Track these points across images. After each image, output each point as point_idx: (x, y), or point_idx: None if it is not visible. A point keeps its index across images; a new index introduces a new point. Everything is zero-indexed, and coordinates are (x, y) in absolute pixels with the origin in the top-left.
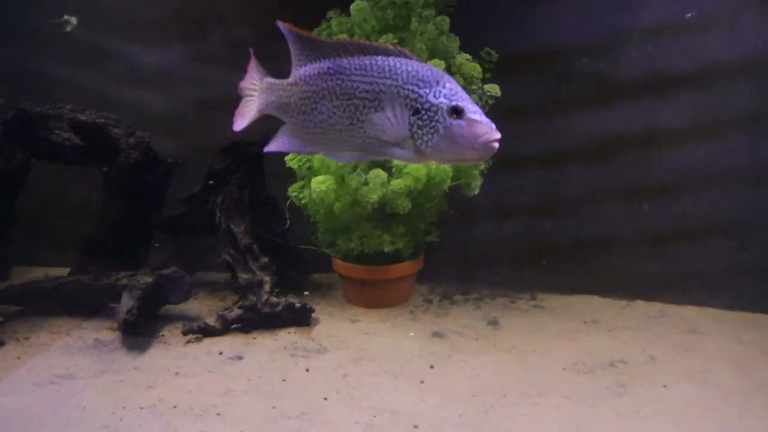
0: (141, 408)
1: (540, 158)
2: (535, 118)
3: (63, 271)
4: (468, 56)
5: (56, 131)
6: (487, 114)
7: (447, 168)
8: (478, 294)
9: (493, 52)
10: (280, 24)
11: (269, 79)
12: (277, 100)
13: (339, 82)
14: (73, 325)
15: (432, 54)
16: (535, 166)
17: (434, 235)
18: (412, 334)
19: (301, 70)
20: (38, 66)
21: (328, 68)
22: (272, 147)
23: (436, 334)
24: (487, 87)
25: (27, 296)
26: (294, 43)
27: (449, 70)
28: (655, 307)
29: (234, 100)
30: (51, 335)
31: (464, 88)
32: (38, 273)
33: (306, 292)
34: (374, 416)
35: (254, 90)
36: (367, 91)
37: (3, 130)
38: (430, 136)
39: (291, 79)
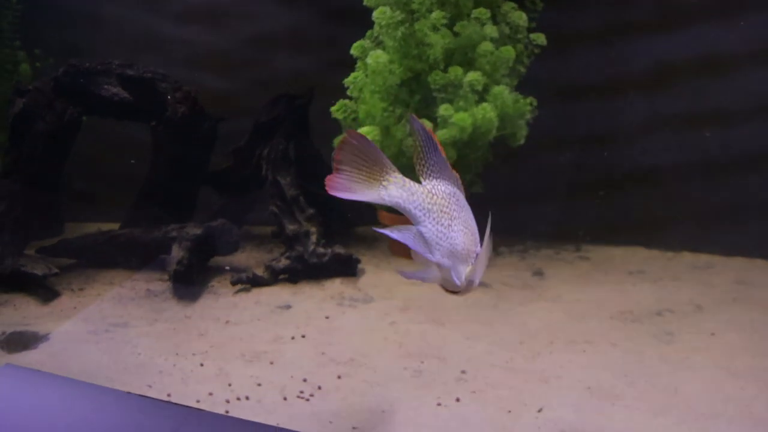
0: (193, 354)
1: (594, 91)
2: (592, 45)
3: (114, 226)
4: (514, 5)
5: (105, 86)
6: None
7: (493, 118)
8: (523, 245)
9: (538, 1)
10: (427, 133)
11: (401, 176)
12: (421, 203)
13: (462, 211)
14: (126, 276)
15: (476, 3)
16: (587, 100)
17: (479, 186)
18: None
19: (435, 183)
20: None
21: (455, 194)
22: (411, 243)
23: (482, 284)
24: (532, 36)
25: (81, 249)
26: (429, 153)
27: (494, 19)
28: (702, 258)
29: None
30: (104, 286)
31: (509, 37)
32: (90, 228)
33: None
34: (422, 362)
35: (375, 176)
36: (473, 228)
37: (54, 86)
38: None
39: (429, 188)
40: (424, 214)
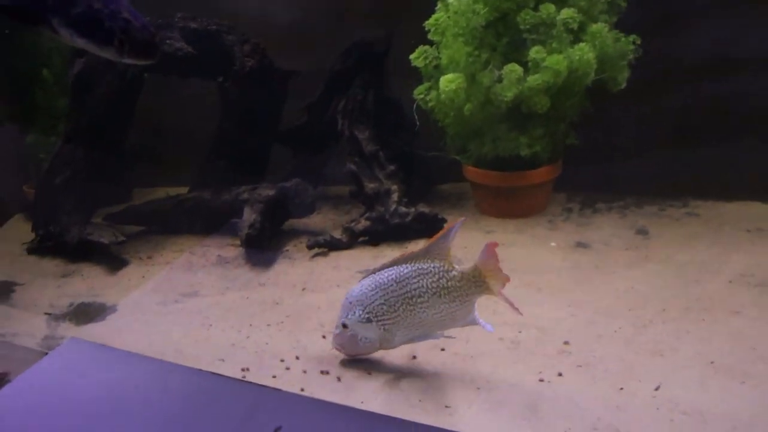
0: (268, 325)
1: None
2: None
3: (183, 190)
4: None
5: (167, 41)
6: None
7: (591, 59)
8: (623, 201)
9: None
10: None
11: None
12: None
13: None
14: (195, 242)
15: None
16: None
17: (574, 137)
18: (553, 244)
19: None
20: None
21: None
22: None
23: (580, 245)
24: None
25: (148, 215)
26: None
27: None
28: None
29: None
30: (173, 254)
31: None
32: (158, 193)
33: None
34: (520, 332)
35: None
36: None
37: None
38: None
39: None
40: None
